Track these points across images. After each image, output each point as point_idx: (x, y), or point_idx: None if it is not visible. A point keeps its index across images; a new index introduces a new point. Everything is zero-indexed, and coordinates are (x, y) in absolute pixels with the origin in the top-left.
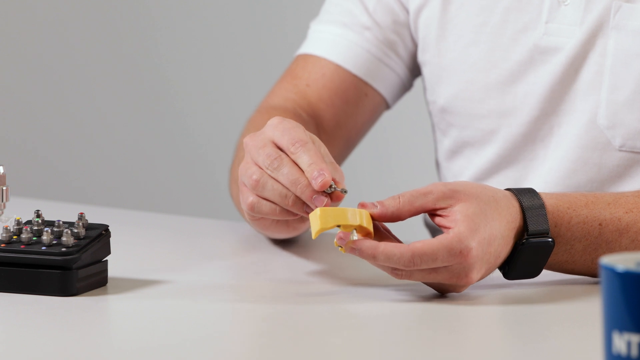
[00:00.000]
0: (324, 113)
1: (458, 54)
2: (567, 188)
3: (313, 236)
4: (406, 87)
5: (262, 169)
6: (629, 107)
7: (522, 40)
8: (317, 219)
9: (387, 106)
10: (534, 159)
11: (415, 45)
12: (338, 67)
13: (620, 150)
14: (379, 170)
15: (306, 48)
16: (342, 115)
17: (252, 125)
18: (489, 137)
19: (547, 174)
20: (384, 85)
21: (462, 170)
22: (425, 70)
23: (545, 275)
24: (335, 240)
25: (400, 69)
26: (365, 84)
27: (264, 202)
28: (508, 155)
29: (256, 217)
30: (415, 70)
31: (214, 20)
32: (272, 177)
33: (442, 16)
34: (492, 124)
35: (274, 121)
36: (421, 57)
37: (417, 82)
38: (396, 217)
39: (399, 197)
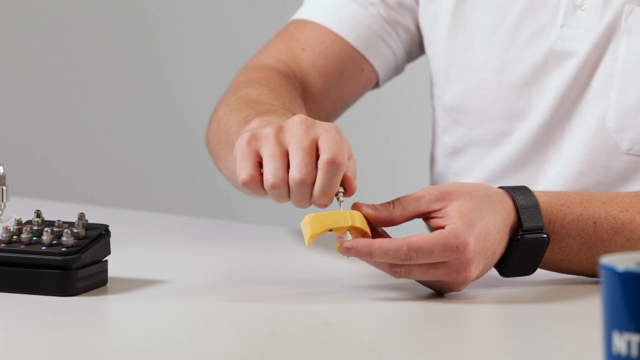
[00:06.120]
0: (315, 80)
1: (471, 53)
2: (574, 190)
3: (306, 244)
4: (398, 69)
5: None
6: (638, 111)
7: (536, 44)
8: (307, 227)
9: (377, 85)
10: (546, 162)
11: (417, 30)
12: (338, 37)
13: (627, 154)
14: (375, 169)
15: (306, 14)
16: (334, 85)
17: (243, 78)
18: (500, 139)
19: (555, 176)
20: (381, 62)
21: (468, 169)
22: (432, 64)
23: (544, 275)
24: (336, 243)
25: (398, 49)
26: (364, 58)
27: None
28: (520, 158)
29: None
30: (411, 54)
31: (213, 20)
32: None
33: (456, 12)
34: (504, 125)
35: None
36: (428, 50)
37: (415, 79)
38: (389, 222)
39: (392, 203)
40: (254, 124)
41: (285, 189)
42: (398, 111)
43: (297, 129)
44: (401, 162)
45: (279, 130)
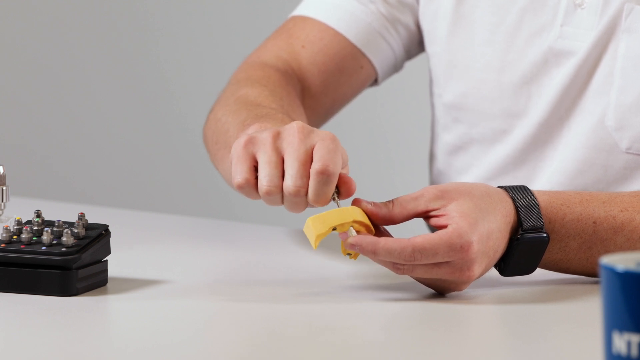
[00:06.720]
0: (314, 78)
1: (471, 52)
2: (573, 188)
3: (314, 246)
4: (397, 67)
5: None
6: (637, 110)
7: (536, 42)
8: (311, 229)
9: (375, 82)
10: (543, 160)
11: (417, 28)
12: (338, 34)
13: (627, 153)
14: (374, 167)
15: (306, 10)
16: (333, 82)
17: (242, 76)
18: (500, 137)
19: (554, 174)
20: (380, 60)
21: (468, 167)
22: (432, 62)
23: (544, 275)
24: (341, 246)
25: (397, 47)
26: (363, 55)
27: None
28: (518, 156)
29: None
30: (410, 52)
31: (213, 20)
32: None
33: (455, 11)
34: (504, 124)
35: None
36: (428, 49)
37: (414, 77)
38: (388, 220)
39: (391, 202)
40: (251, 130)
41: (279, 196)
42: (397, 109)
43: (293, 137)
44: (400, 160)
45: (276, 137)
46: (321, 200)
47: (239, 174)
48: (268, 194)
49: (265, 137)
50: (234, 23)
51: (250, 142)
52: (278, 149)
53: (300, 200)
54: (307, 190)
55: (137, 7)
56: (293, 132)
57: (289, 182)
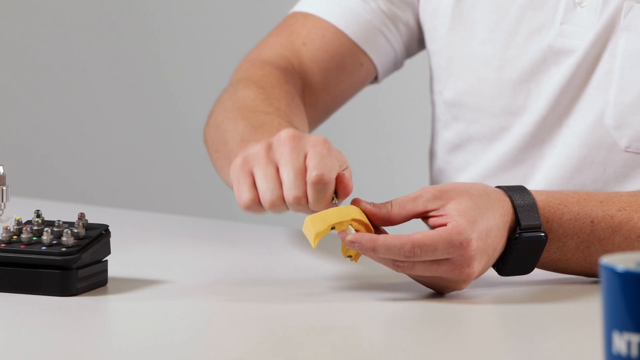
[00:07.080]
0: (315, 75)
1: (471, 50)
2: (572, 187)
3: (313, 245)
4: (397, 65)
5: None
6: (636, 108)
7: (536, 40)
8: (310, 227)
9: (376, 80)
10: (542, 158)
11: (417, 25)
12: (338, 31)
13: (626, 151)
14: (373, 164)
15: (307, 7)
16: (333, 80)
17: (242, 76)
18: (499, 135)
19: (552, 172)
20: (380, 57)
21: (467, 165)
22: (432, 59)
23: (544, 275)
24: (341, 246)
25: (398, 44)
26: (363, 53)
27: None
28: (517, 154)
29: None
30: (410, 50)
31: (213, 20)
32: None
33: (455, 9)
34: (503, 121)
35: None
36: (429, 46)
37: (414, 74)
38: (387, 221)
39: (390, 203)
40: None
41: (284, 205)
42: (397, 107)
43: (284, 147)
44: (400, 158)
45: (268, 149)
46: (321, 206)
47: (242, 195)
48: (272, 206)
49: (257, 152)
50: (234, 23)
51: (245, 161)
52: (272, 161)
53: (302, 207)
54: (307, 198)
55: (137, 7)
56: (284, 142)
57: (288, 194)
